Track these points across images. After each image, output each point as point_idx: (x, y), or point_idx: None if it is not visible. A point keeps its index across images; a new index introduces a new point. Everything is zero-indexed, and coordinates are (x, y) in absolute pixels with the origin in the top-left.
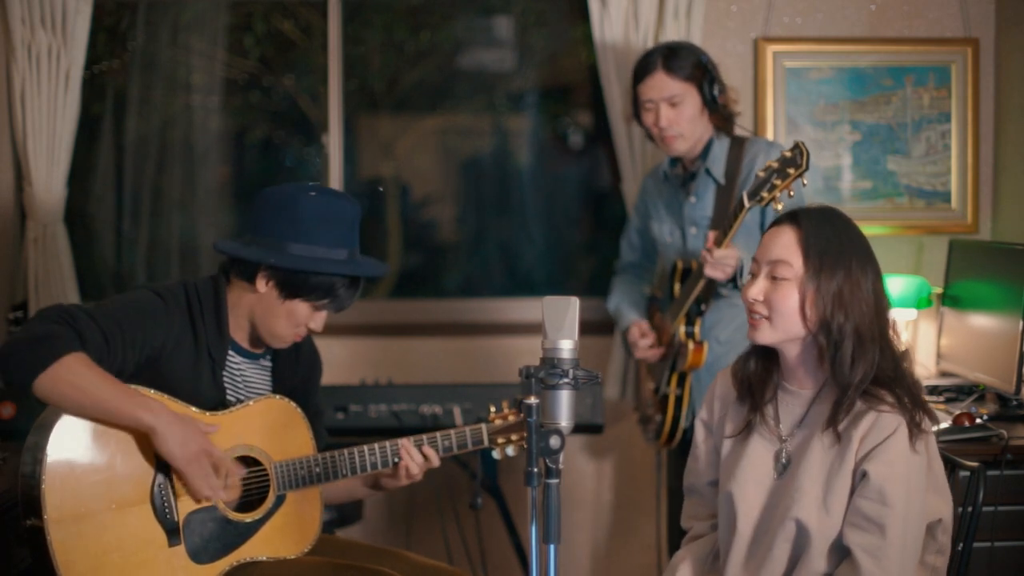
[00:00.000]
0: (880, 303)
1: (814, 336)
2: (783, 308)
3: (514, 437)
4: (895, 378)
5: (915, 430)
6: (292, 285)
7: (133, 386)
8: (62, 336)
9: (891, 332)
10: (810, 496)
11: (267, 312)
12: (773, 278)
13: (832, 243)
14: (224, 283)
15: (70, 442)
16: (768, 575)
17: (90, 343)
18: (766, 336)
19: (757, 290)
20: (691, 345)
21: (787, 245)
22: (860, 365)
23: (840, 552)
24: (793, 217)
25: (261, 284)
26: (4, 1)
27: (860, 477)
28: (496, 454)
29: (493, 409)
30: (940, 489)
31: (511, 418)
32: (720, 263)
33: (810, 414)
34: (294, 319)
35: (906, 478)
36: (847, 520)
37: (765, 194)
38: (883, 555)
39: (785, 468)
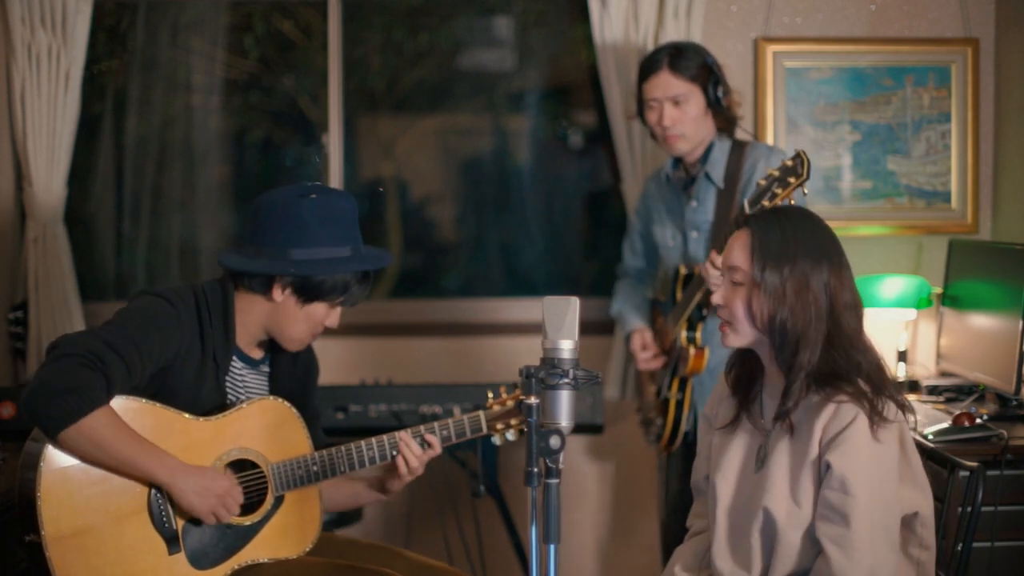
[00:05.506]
0: (836, 300)
1: (764, 336)
2: (736, 312)
3: (513, 422)
4: (850, 369)
5: (876, 419)
6: (309, 290)
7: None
8: (92, 387)
9: (850, 327)
10: (779, 487)
11: (286, 319)
12: (732, 283)
13: (777, 242)
14: (232, 289)
15: (65, 454)
16: (750, 565)
17: (116, 383)
18: (733, 340)
19: (718, 296)
20: (692, 351)
21: (739, 249)
22: (802, 360)
23: (818, 545)
24: (747, 221)
25: (278, 294)
26: (4, 1)
27: (825, 469)
28: (496, 440)
29: (491, 395)
30: (918, 482)
31: (509, 403)
32: (718, 280)
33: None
34: (313, 320)
35: (867, 467)
36: (817, 512)
37: (766, 203)
38: (849, 545)
39: (763, 461)
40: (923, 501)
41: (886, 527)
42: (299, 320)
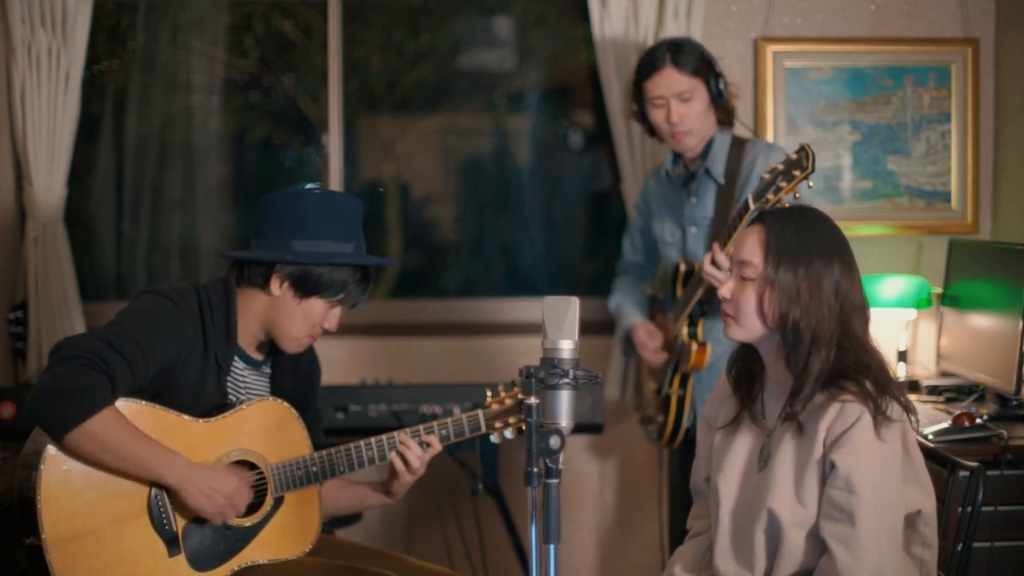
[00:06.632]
0: (846, 301)
1: (773, 333)
2: (745, 307)
3: (511, 420)
4: (857, 369)
5: (880, 418)
6: (307, 283)
7: (156, 442)
8: (96, 388)
9: (858, 328)
10: (783, 487)
11: (283, 314)
12: (741, 278)
13: (792, 241)
14: (233, 288)
15: (65, 457)
16: (753, 566)
17: (120, 384)
18: (735, 334)
19: (726, 289)
20: (694, 346)
21: (752, 245)
22: (815, 362)
23: (822, 544)
24: (761, 217)
25: (275, 286)
26: (4, 1)
27: (829, 468)
28: (495, 438)
29: (490, 394)
30: (920, 480)
31: (508, 402)
32: (716, 275)
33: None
34: (310, 318)
35: (872, 466)
36: (821, 511)
37: (770, 196)
38: (855, 543)
39: (767, 461)
40: (926, 499)
41: (891, 526)
42: (296, 317)
